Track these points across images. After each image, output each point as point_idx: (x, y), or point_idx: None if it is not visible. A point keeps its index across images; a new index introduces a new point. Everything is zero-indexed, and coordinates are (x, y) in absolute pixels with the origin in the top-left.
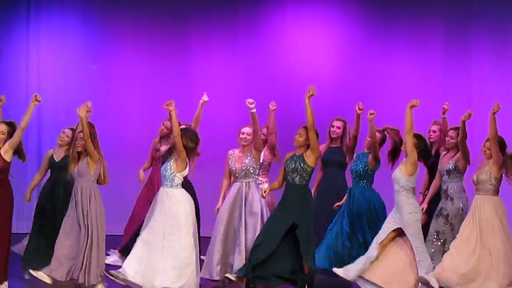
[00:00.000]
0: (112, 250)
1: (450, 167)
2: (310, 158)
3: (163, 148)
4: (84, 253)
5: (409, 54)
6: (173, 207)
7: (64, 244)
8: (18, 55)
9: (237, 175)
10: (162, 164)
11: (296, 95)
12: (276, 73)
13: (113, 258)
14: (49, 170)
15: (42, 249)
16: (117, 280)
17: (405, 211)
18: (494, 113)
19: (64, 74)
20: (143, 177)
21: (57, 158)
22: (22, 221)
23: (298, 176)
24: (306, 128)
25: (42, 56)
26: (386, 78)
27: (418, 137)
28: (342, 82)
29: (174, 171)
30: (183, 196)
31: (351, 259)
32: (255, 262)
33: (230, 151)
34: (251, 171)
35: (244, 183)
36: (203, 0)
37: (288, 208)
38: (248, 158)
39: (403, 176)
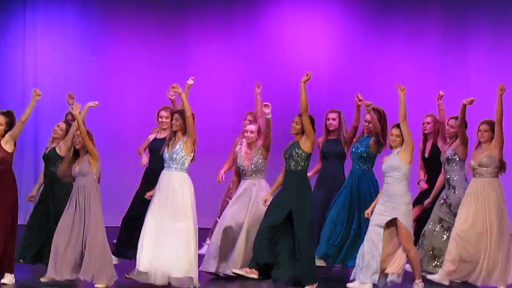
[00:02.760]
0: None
1: (449, 155)
2: (305, 143)
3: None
4: (82, 251)
5: (407, 46)
6: (181, 190)
7: (60, 244)
8: (15, 46)
9: (245, 172)
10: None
11: (294, 87)
12: (274, 65)
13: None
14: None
15: (34, 242)
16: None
17: (403, 201)
18: (501, 94)
19: (62, 65)
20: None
21: (47, 150)
22: (19, 213)
23: (293, 162)
24: (301, 115)
25: (39, 47)
26: (385, 69)
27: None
28: (340, 74)
29: (186, 153)
30: (189, 179)
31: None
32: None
33: (237, 149)
34: (260, 169)
35: (252, 182)
36: None
37: (284, 194)
38: (257, 155)
39: (404, 164)
